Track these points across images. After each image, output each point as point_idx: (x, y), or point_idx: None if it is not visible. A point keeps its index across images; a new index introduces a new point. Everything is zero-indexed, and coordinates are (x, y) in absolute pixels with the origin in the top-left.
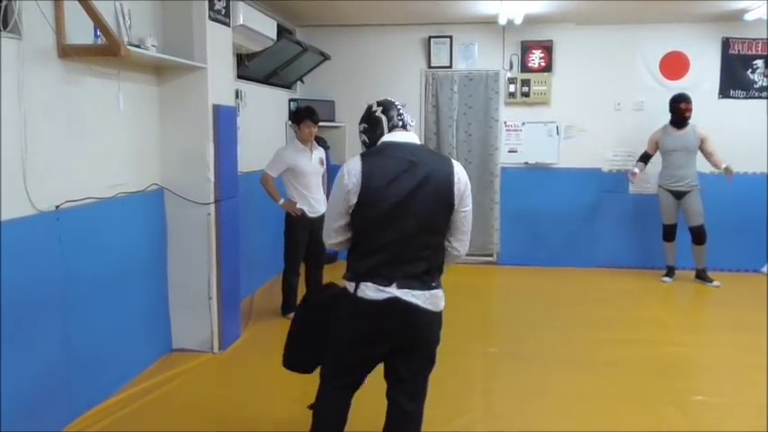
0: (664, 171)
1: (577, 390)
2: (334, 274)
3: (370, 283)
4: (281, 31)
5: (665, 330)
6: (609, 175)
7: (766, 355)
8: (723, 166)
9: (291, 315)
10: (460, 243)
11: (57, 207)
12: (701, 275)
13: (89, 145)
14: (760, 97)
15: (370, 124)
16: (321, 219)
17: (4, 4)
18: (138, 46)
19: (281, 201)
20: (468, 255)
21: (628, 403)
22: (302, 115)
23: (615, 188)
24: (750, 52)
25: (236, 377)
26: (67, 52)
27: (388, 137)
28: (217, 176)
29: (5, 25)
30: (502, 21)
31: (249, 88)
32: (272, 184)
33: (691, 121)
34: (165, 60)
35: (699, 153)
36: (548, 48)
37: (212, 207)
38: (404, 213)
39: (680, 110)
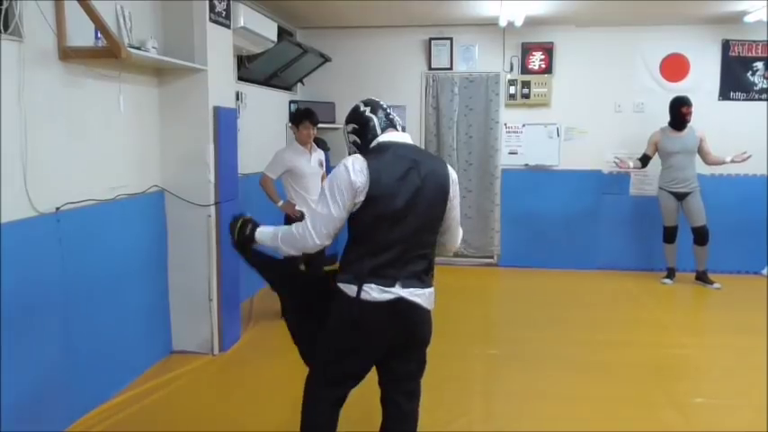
0: (664, 173)
1: (578, 392)
2: None
3: (373, 285)
4: (282, 32)
5: (666, 332)
6: (609, 176)
7: (766, 357)
8: (728, 159)
9: None
10: (455, 237)
11: (57, 209)
12: (702, 277)
13: (89, 147)
14: (760, 99)
15: (361, 125)
16: None
17: (4, 6)
18: (138, 48)
19: (281, 202)
20: (468, 256)
21: (628, 405)
22: (300, 117)
23: (616, 190)
24: (750, 54)
25: (236, 379)
26: (68, 54)
27: (384, 137)
28: (217, 178)
29: (6, 27)
30: (502, 22)
31: (249, 90)
32: (272, 186)
33: (690, 123)
34: (166, 62)
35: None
36: (548, 49)
37: (213, 209)
38: (411, 211)
39: (681, 113)
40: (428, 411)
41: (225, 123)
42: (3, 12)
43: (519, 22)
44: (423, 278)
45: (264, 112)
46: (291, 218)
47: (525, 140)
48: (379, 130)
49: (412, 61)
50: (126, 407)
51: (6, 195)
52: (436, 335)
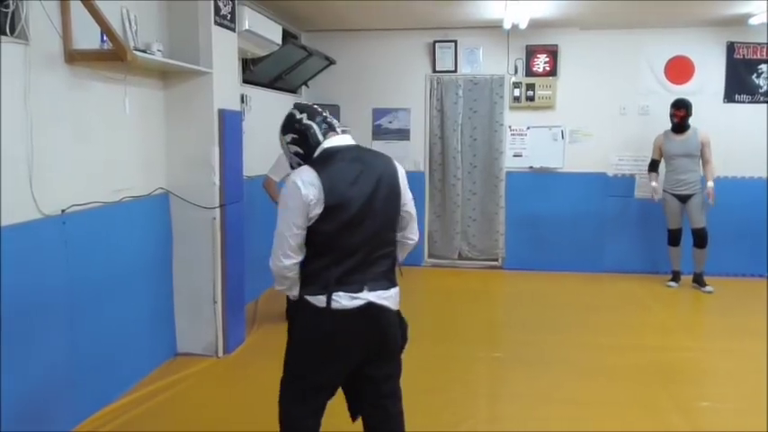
0: (668, 176)
1: (582, 395)
2: None
3: (341, 292)
4: (287, 35)
5: (671, 336)
6: (614, 179)
7: None
8: (710, 184)
9: None
10: (413, 232)
11: (63, 211)
12: (697, 279)
13: (95, 149)
14: (765, 101)
15: (301, 134)
16: None
17: (10, 9)
18: (144, 51)
19: None
20: (472, 259)
21: (633, 409)
22: None
23: (621, 192)
24: (755, 56)
25: (240, 381)
26: (74, 57)
27: (328, 143)
28: (222, 180)
29: (12, 30)
30: (506, 25)
31: (254, 93)
32: (275, 188)
33: (693, 125)
34: (171, 65)
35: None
36: (552, 52)
37: (217, 211)
38: (368, 214)
39: (671, 115)
40: (433, 414)
41: (230, 126)
42: (9, 15)
43: (523, 25)
44: (389, 277)
45: (269, 114)
46: None
47: (530, 143)
48: (320, 137)
49: (416, 64)
50: (131, 409)
51: (12, 197)
52: (441, 338)
